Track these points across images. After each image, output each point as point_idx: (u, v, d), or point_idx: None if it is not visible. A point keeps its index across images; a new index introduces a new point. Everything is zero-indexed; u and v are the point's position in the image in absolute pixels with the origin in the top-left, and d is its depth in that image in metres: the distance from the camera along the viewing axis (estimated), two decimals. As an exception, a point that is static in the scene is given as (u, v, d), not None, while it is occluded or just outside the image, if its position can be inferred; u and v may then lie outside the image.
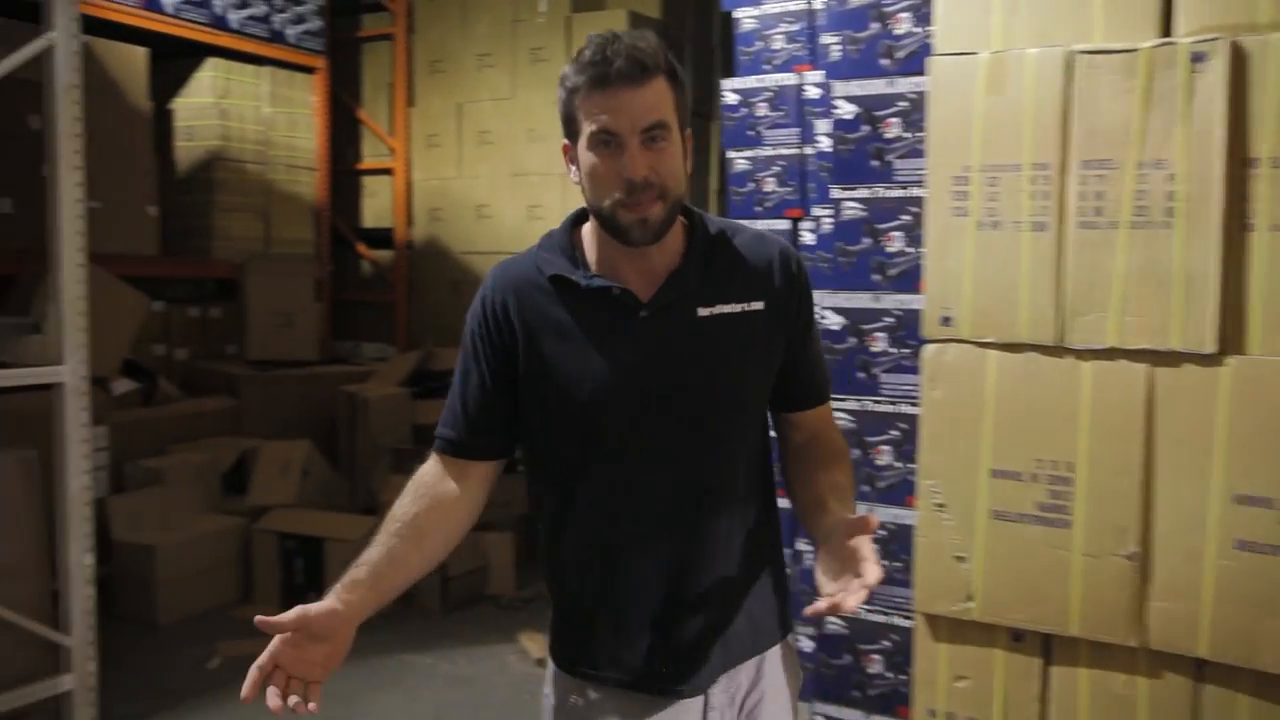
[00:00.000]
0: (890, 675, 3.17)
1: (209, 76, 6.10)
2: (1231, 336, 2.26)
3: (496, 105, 6.65)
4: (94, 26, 5.42)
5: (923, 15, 3.04)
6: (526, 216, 6.52)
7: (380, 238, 7.29)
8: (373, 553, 1.55)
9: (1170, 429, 2.31)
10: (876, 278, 3.15)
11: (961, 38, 2.57)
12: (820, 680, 3.29)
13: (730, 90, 4.46)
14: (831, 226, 3.35)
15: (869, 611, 3.18)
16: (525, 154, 6.54)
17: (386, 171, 7.13)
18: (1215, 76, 2.22)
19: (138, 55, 5.64)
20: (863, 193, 3.16)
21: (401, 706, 3.79)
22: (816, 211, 3.79)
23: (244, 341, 6.10)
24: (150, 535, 4.49)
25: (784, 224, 4.35)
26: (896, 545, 3.11)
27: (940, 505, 2.60)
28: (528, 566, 5.15)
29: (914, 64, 3.08)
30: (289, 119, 6.47)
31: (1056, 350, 2.44)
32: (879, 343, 3.15)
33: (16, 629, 3.29)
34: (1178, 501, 2.30)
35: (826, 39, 3.43)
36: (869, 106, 3.14)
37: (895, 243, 3.12)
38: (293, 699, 1.42)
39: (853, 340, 3.18)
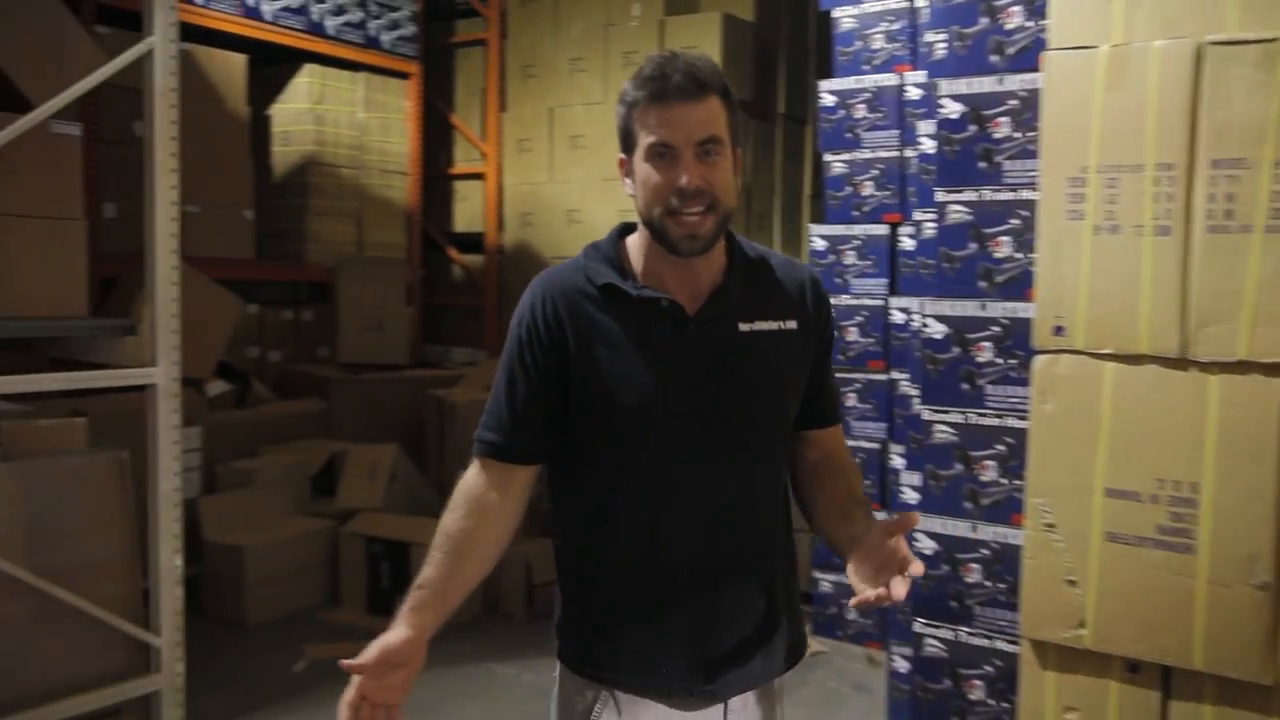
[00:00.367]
0: (992, 703, 3.02)
1: (305, 82, 6.16)
2: (1378, 350, 2.09)
3: (588, 110, 6.60)
4: (196, 34, 5.51)
5: (1036, 8, 2.90)
6: (617, 221, 6.44)
7: (471, 242, 7.30)
8: (432, 572, 1.58)
9: (1308, 449, 2.14)
10: (983, 284, 3.01)
11: (1078, 31, 2.42)
12: (916, 705, 3.16)
13: (828, 91, 4.35)
14: (935, 231, 3.22)
15: (970, 634, 3.04)
16: (617, 158, 6.46)
17: (478, 176, 7.14)
18: (1363, 68, 2.06)
19: (237, 62, 5.71)
20: (969, 195, 3.02)
21: (484, 716, 3.74)
22: (917, 216, 3.65)
23: (335, 344, 6.13)
24: (240, 536, 4.52)
25: (882, 229, 4.23)
26: (1001, 566, 2.96)
27: (1050, 525, 2.45)
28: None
29: (1026, 60, 2.93)
30: (382, 124, 6.51)
31: (1180, 363, 2.29)
32: (985, 352, 3.00)
33: (107, 628, 3.30)
34: (1316, 528, 2.13)
35: (930, 36, 3.30)
36: (977, 105, 3.00)
37: (1003, 248, 2.98)
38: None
39: (956, 350, 3.04)
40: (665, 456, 1.60)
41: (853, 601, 1.45)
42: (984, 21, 3.01)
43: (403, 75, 6.65)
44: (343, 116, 6.27)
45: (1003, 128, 2.96)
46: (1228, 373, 2.23)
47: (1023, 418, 2.89)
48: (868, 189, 4.25)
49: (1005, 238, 2.97)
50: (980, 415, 3.01)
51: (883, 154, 4.21)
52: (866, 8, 4.23)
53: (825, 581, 4.49)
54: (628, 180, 1.64)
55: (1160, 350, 2.30)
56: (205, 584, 4.54)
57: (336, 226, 6.20)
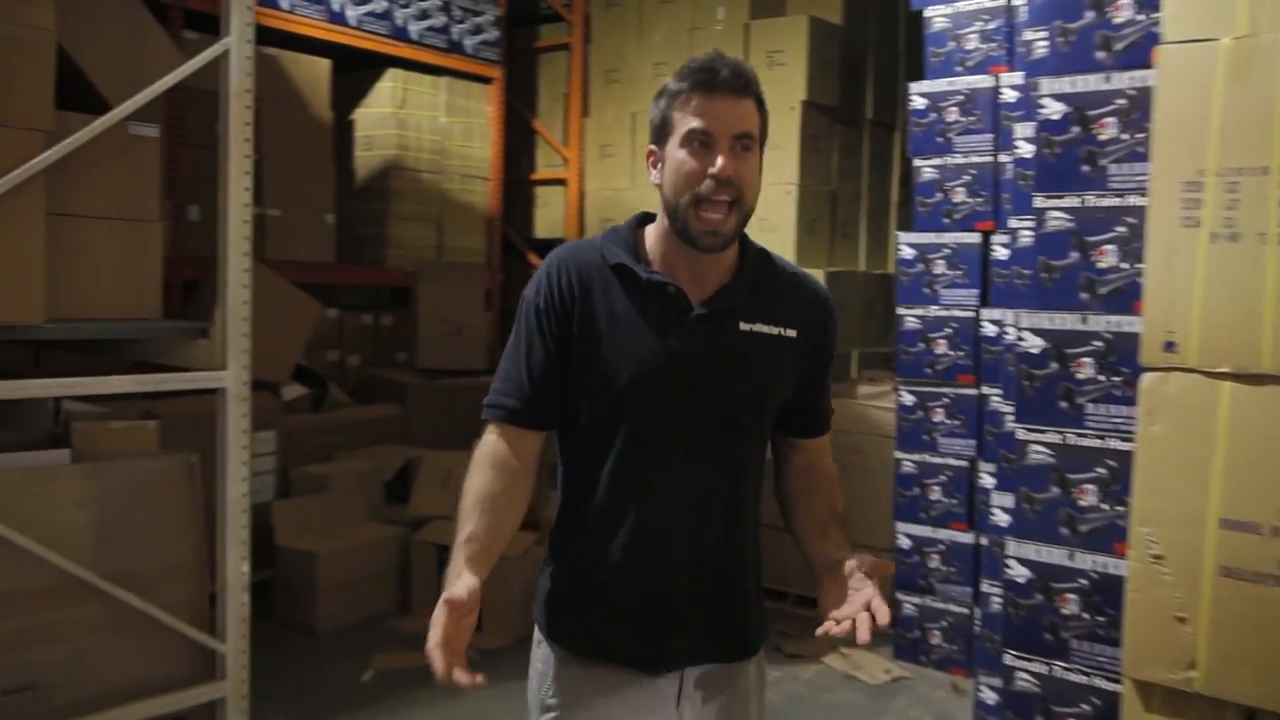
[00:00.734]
0: (1089, 743, 2.81)
1: (388, 87, 6.13)
2: None
3: (671, 115, 6.47)
4: (281, 40, 5.51)
5: (1147, 1, 2.70)
6: (698, 229, 6.31)
7: (551, 248, 7.21)
8: (477, 528, 1.61)
9: None
10: (1084, 296, 2.81)
11: (1197, 23, 2.23)
12: (1007, 742, 2.96)
13: (918, 94, 4.16)
14: (1032, 239, 3.02)
15: (1065, 669, 2.83)
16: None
17: (559, 182, 7.06)
18: None
19: (321, 67, 5.70)
20: (1071, 201, 2.82)
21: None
22: (1013, 224, 3.45)
23: (414, 350, 6.08)
24: (312, 542, 4.47)
25: (974, 237, 4.03)
26: (1100, 597, 2.76)
27: (1158, 557, 2.25)
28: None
29: (1136, 56, 2.73)
30: (464, 129, 6.46)
31: (1308, 384, 2.08)
32: (1085, 369, 2.80)
33: (173, 633, 3.25)
34: None
35: (1030, 34, 3.10)
36: (1081, 105, 2.80)
37: (1107, 257, 2.77)
38: (479, 676, 1.47)
39: (1054, 365, 2.84)
40: (646, 436, 1.66)
41: (818, 631, 1.52)
42: (1090, 15, 2.81)
43: (485, 80, 6.59)
44: (425, 121, 6.23)
45: (1109, 129, 2.76)
46: (1363, 396, 2.01)
47: (1126, 439, 2.68)
48: (959, 195, 4.05)
49: (1109, 246, 2.76)
50: (1079, 436, 2.81)
51: (975, 159, 4.01)
52: (960, 6, 4.03)
53: (909, 604, 4.29)
54: (654, 170, 1.69)
55: (1285, 369, 2.10)
56: (277, 589, 4.50)
57: (417, 231, 6.16)
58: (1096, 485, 2.76)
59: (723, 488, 1.70)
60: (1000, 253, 3.91)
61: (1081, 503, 2.80)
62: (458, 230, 6.41)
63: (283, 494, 4.78)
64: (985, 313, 3.99)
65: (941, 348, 4.12)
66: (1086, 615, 2.79)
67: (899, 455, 4.30)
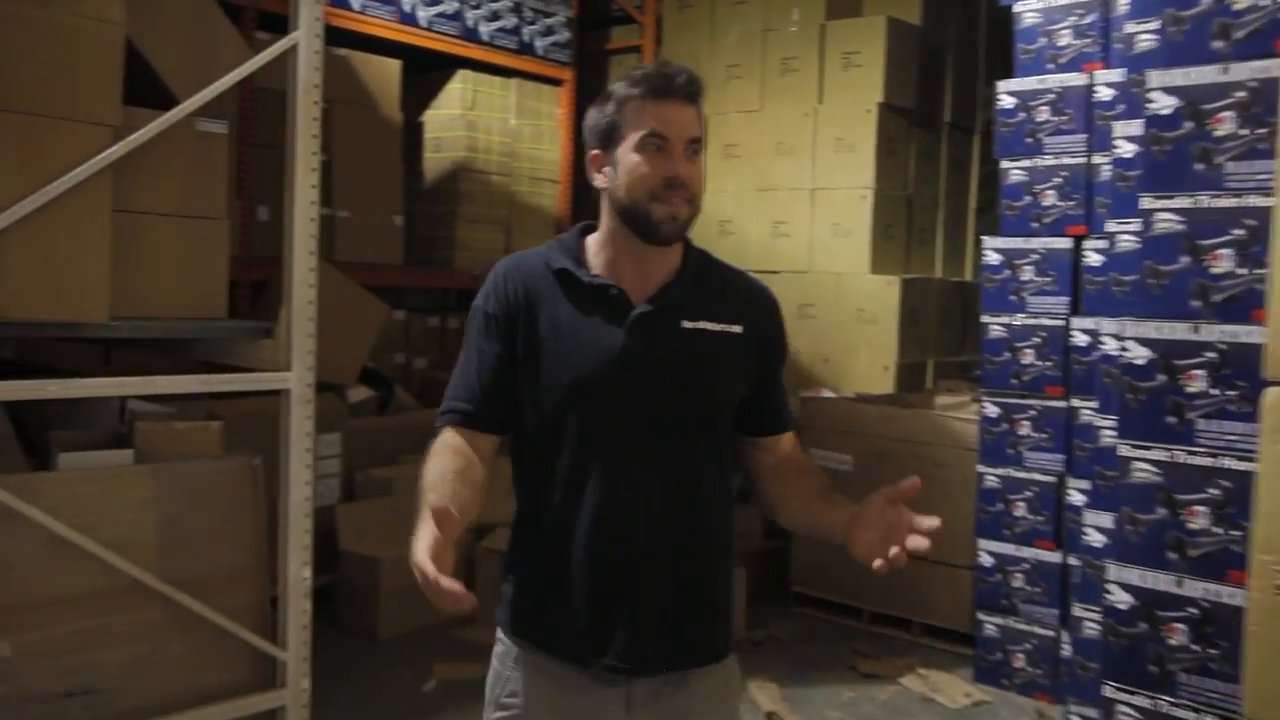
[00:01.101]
0: (1197, 785, 2.60)
1: (458, 88, 6.04)
2: None
3: (744, 117, 6.32)
4: (352, 40, 5.45)
5: (1273, -16, 2.49)
6: (772, 233, 6.15)
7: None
8: (437, 496, 1.58)
9: None
10: (1196, 304, 2.60)
11: (1334, 5, 2.03)
12: (1104, 779, 2.75)
13: (1006, 93, 3.96)
14: (1135, 243, 2.82)
15: (1172, 705, 2.62)
16: (773, 168, 6.17)
17: (629, 186, 6.93)
18: None
19: (392, 68, 5.63)
20: (1181, 202, 2.61)
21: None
22: (1111, 227, 3.25)
23: (480, 354, 5.98)
24: (376, 546, 4.37)
25: (1064, 242, 3.82)
26: (1213, 629, 2.54)
27: (1284, 588, 2.05)
28: (760, 606, 4.76)
29: (1258, 45, 2.52)
30: (534, 131, 6.35)
31: None
32: (1197, 382, 2.59)
33: (233, 639, 3.17)
34: None
35: (1132, 26, 2.91)
36: (1194, 99, 2.60)
37: (1223, 262, 2.56)
38: (469, 596, 1.48)
39: (1162, 378, 2.64)
40: (595, 437, 1.67)
41: (875, 566, 1.50)
42: (1206, 2, 2.60)
43: (556, 82, 6.48)
44: (494, 123, 6.13)
45: (1226, 124, 2.55)
46: None
47: (1243, 458, 2.47)
48: (1049, 198, 3.85)
49: (1225, 250, 2.55)
50: (1190, 454, 2.60)
51: (1067, 160, 3.80)
52: (1053, 1, 3.83)
53: (990, 624, 4.08)
54: (599, 174, 1.70)
55: None
56: (339, 594, 4.41)
57: (485, 234, 6.06)
58: (1208, 507, 2.55)
59: (676, 485, 1.70)
60: (1093, 258, 3.70)
61: (1191, 525, 2.58)
62: (526, 233, 6.28)
63: (347, 497, 4.69)
64: (1076, 321, 3.78)
65: (1028, 357, 3.91)
66: (1196, 647, 2.57)
67: (982, 469, 4.10)
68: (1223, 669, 2.51)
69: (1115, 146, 3.17)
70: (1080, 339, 3.76)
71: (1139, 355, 2.67)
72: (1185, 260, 2.60)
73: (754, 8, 6.31)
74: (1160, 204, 2.64)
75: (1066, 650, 3.78)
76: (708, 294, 1.73)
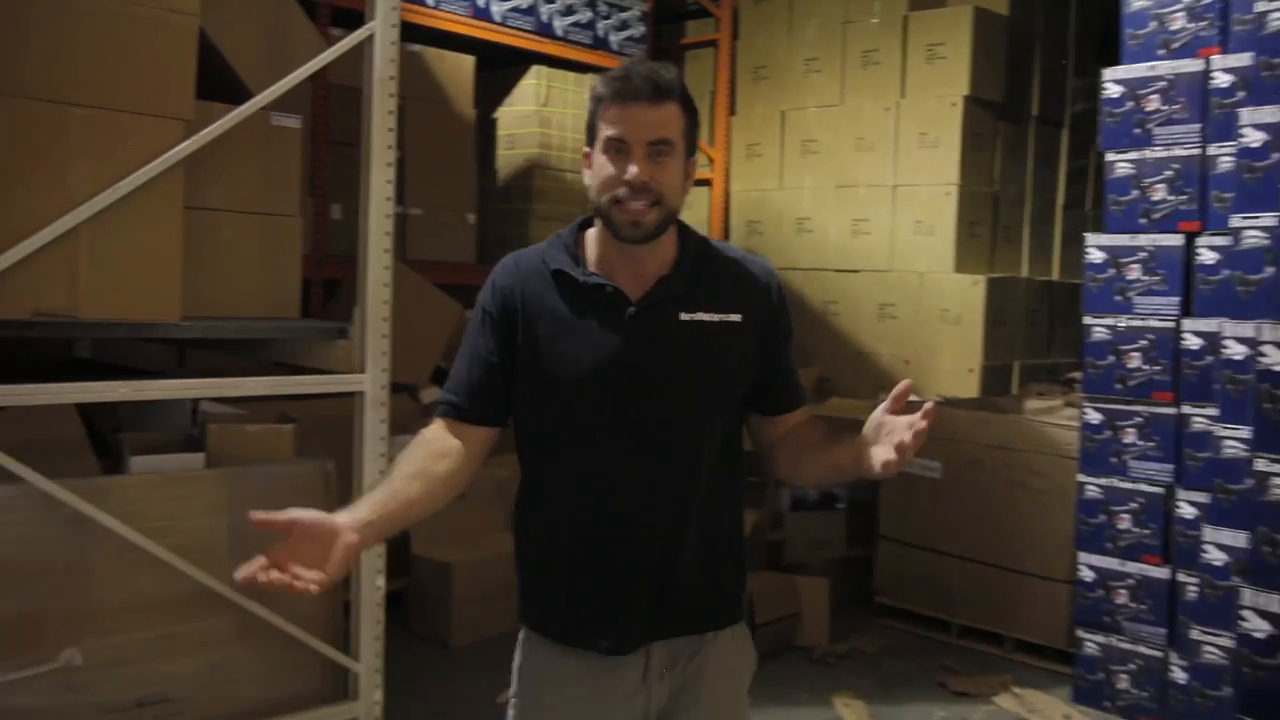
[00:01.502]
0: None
1: (532, 84, 5.91)
2: None
3: (823, 113, 6.11)
4: (425, 36, 5.35)
5: None
6: (851, 231, 5.93)
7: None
8: (378, 490, 1.67)
9: None
10: (1344, 305, 2.37)
11: None
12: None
13: (1113, 81, 3.72)
14: (1264, 240, 2.58)
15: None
16: (852, 164, 5.95)
17: (704, 182, 6.73)
18: None
19: (465, 64, 5.51)
20: (1327, 194, 2.38)
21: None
22: (1235, 222, 3.01)
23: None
24: (449, 552, 4.24)
25: (1175, 239, 3.57)
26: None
27: None
28: (843, 617, 4.56)
29: None
30: (608, 127, 6.20)
31: None
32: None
33: (305, 648, 3.05)
34: None
35: (1262, 5, 2.67)
36: (1343, 80, 2.36)
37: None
38: (276, 575, 1.49)
39: (1303, 385, 2.41)
40: (597, 430, 1.70)
41: (878, 463, 1.55)
42: (1356, -26, 2.37)
43: (630, 77, 6.31)
44: (568, 119, 5.98)
45: (1380, 107, 2.31)
46: None
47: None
48: (1159, 193, 3.60)
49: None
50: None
51: (1179, 151, 3.55)
52: (1165, -17, 3.58)
53: (1091, 643, 3.84)
54: (587, 172, 1.72)
55: None
56: (411, 599, 4.29)
57: (558, 231, 5.92)
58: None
59: (678, 475, 1.72)
60: (1207, 256, 3.46)
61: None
62: (602, 232, 6.16)
63: (420, 501, 4.58)
64: (1187, 323, 3.53)
65: (1135, 361, 3.67)
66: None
67: (1082, 479, 3.86)
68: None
69: (1241, 135, 2.93)
70: (1192, 342, 3.52)
71: (1277, 360, 2.44)
72: (1331, 257, 2.37)
73: (834, 0, 6.10)
74: (1302, 196, 2.41)
75: (1177, 674, 3.54)
76: (705, 284, 1.74)
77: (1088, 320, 3.81)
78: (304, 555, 1.51)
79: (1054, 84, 6.15)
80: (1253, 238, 2.84)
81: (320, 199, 4.89)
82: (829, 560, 4.72)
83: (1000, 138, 5.83)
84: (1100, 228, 3.82)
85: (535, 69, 5.89)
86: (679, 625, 1.75)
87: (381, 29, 3.11)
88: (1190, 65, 3.51)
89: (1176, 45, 3.56)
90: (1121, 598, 3.75)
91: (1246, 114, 2.93)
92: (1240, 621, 2.47)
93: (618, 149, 1.64)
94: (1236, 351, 2.99)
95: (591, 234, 1.77)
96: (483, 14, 5.48)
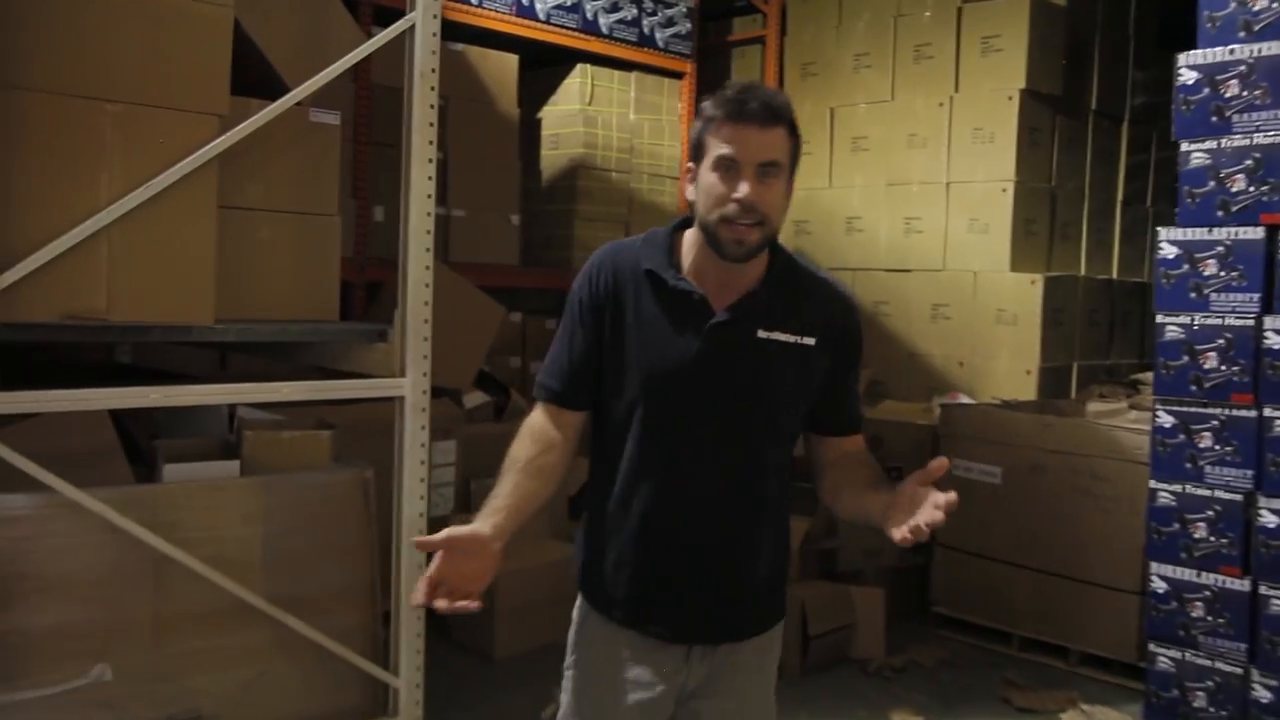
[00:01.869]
0: None
1: (577, 83, 5.75)
2: None
3: (873, 109, 5.91)
4: (469, 35, 5.22)
5: None
6: (903, 230, 5.72)
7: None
8: (504, 488, 1.77)
9: None
10: None
11: None
12: None
13: (1188, 67, 3.49)
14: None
15: None
16: (904, 161, 5.74)
17: (750, 183, 6.57)
18: None
19: (509, 62, 5.37)
20: None
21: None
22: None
23: (599, 357, 5.69)
24: (493, 560, 4.09)
25: (1256, 232, 3.33)
26: None
27: None
28: (899, 628, 4.35)
29: None
30: (654, 126, 6.03)
31: None
32: None
33: (343, 662, 2.91)
34: None
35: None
36: None
37: None
38: (461, 602, 1.61)
39: None
40: (662, 430, 1.78)
41: (895, 537, 1.59)
42: None
43: (676, 75, 6.15)
44: (613, 118, 5.83)
45: None
46: None
47: None
48: (1238, 183, 3.37)
49: None
50: None
51: (1261, 139, 3.31)
52: (1245, -39, 3.35)
53: (1164, 658, 3.60)
54: (690, 186, 1.77)
55: None
56: (455, 609, 4.14)
57: (604, 232, 5.74)
58: None
59: (735, 481, 1.81)
60: (1292, 250, 3.22)
61: None
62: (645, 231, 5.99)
63: (462, 508, 4.42)
64: (1270, 321, 3.30)
65: (1211, 361, 3.44)
66: None
67: (1154, 485, 3.62)
68: None
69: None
70: (1274, 341, 3.28)
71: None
72: None
73: (885, -6, 5.91)
74: None
75: (1260, 692, 3.30)
76: (786, 304, 1.79)
77: (1160, 319, 3.58)
78: (459, 568, 1.63)
79: (1113, 76, 5.91)
80: (1349, 229, 2.62)
81: (362, 201, 4.76)
82: (882, 568, 4.51)
83: (1058, 132, 5.60)
84: (1162, 224, 3.60)
85: (580, 67, 5.74)
86: (729, 630, 1.85)
87: (422, 21, 2.97)
88: (1274, 47, 3.27)
89: (1259, 26, 3.32)
90: (1197, 611, 3.51)
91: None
92: (1346, 644, 2.26)
93: (728, 168, 1.69)
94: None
95: (688, 237, 1.82)
96: (527, 12, 5.34)
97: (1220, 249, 3.40)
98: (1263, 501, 3.34)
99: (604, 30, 5.66)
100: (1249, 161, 3.33)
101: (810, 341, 1.79)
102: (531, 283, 5.72)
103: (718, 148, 1.69)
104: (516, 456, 1.80)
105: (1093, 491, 4.12)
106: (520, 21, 5.32)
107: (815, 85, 6.20)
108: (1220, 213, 3.41)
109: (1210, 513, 3.47)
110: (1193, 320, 3.48)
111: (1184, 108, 3.49)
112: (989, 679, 4.03)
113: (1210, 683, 3.48)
